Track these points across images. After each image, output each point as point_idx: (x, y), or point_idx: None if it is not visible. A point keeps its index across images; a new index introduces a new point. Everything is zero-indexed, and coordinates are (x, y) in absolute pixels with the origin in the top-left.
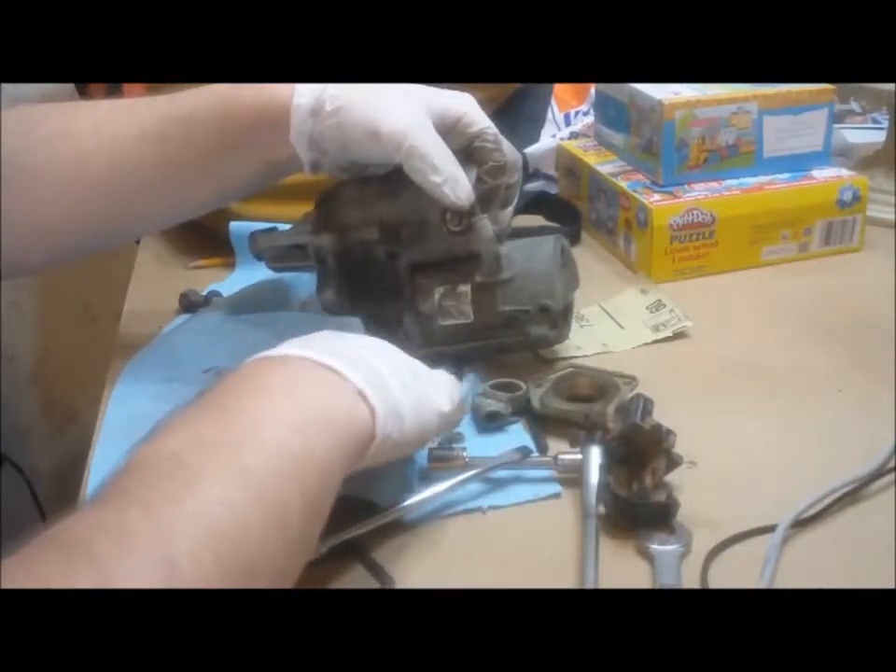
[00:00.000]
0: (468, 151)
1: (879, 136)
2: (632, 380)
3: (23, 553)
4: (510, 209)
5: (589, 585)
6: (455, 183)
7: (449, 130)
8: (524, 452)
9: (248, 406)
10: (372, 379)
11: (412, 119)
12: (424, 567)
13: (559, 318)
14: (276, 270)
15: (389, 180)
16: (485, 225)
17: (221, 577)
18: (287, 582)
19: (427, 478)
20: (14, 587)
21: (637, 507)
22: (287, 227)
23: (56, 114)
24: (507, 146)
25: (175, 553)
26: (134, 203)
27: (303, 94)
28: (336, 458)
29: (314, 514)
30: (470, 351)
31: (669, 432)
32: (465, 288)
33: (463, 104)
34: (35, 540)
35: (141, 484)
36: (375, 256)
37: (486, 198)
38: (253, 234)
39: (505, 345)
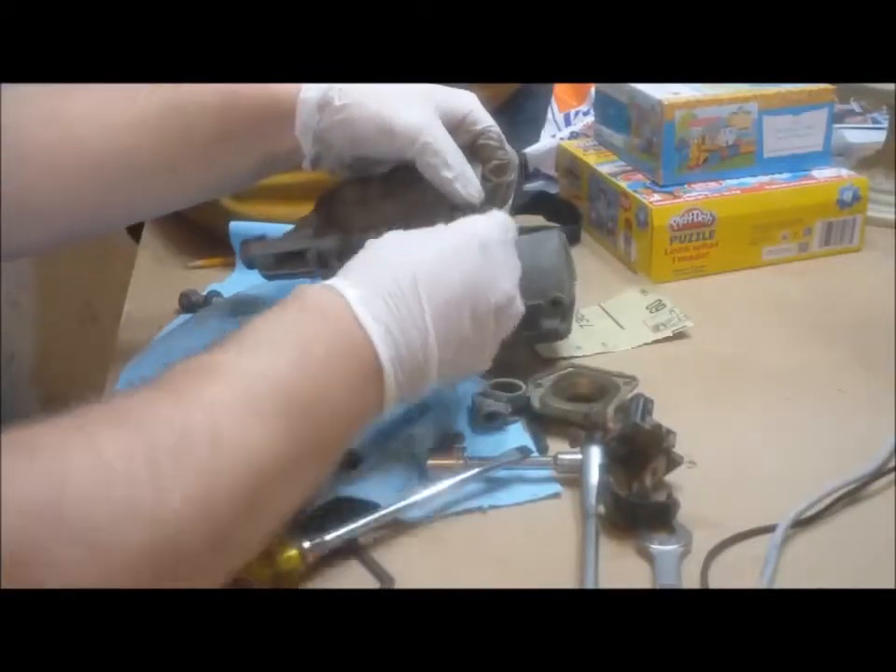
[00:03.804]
0: (472, 149)
1: (879, 136)
2: (632, 380)
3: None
4: (506, 207)
5: (589, 585)
6: (466, 180)
7: (455, 127)
8: (523, 452)
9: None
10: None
11: (424, 115)
12: (424, 567)
13: (569, 311)
14: (270, 278)
15: (392, 180)
16: None
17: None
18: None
19: (426, 478)
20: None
21: (636, 507)
22: (285, 228)
23: (48, 96)
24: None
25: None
26: (128, 189)
27: (311, 89)
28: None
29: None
30: None
31: (669, 432)
32: None
33: (468, 102)
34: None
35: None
36: None
37: (489, 196)
38: (244, 242)
39: (514, 340)
